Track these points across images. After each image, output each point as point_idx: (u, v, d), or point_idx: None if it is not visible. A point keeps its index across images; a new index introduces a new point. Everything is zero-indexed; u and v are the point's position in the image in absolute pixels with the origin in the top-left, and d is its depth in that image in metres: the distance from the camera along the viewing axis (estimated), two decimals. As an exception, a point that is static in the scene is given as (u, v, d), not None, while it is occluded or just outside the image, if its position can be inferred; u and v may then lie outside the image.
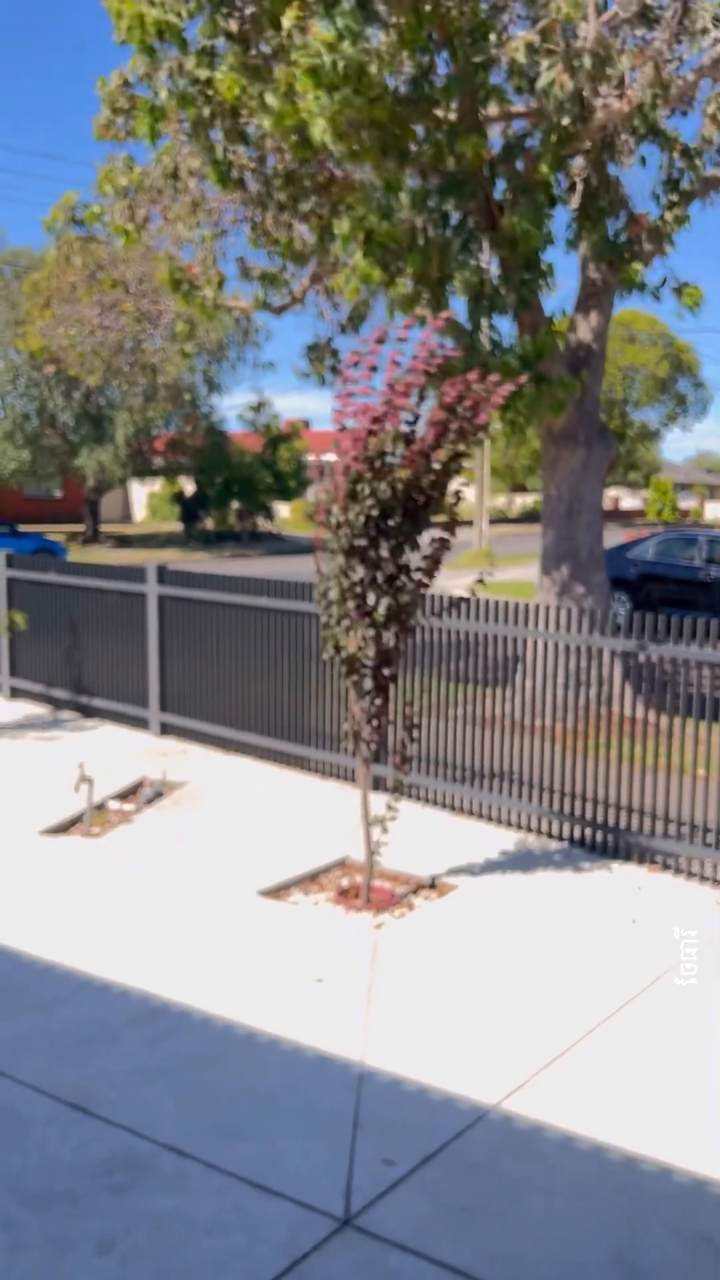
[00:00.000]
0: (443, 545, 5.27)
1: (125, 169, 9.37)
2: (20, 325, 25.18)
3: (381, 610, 5.15)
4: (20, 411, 34.05)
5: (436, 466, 5.00)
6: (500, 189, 8.38)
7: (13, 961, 4.74)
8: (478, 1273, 2.92)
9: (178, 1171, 3.33)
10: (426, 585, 5.29)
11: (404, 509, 5.07)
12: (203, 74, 7.51)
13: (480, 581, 5.70)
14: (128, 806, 7.08)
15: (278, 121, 7.18)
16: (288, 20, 6.78)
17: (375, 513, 5.01)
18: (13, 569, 10.34)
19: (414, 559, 5.25)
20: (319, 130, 6.97)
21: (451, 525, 5.28)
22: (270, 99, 7.11)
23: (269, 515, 41.51)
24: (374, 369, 5.04)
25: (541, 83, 6.95)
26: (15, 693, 10.49)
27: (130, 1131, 3.53)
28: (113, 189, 9.42)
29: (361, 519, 5.03)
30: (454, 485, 5.22)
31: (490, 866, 6.01)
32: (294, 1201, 3.19)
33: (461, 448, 5.01)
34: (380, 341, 5.05)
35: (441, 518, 5.24)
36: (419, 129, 7.78)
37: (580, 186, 8.51)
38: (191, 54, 7.48)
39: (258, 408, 36.56)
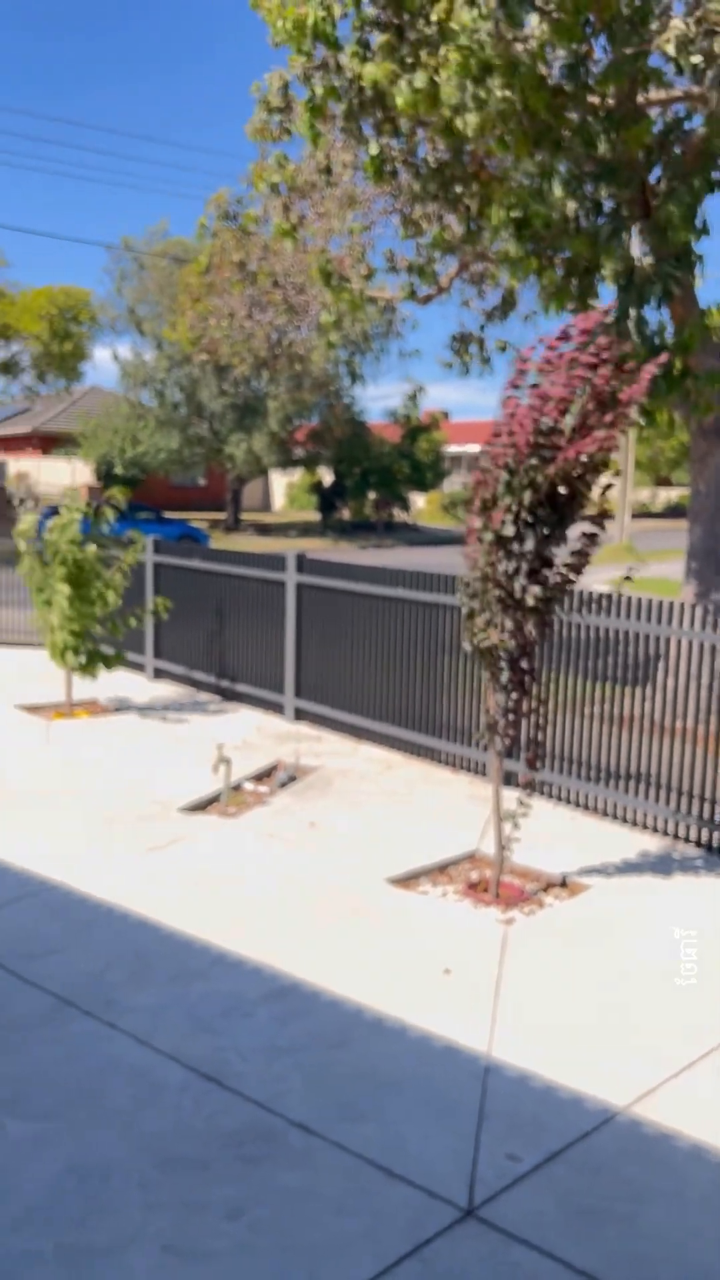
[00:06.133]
0: (591, 541, 5.18)
1: (278, 166, 9.52)
2: (174, 315, 25.97)
3: (528, 602, 5.11)
4: (171, 401, 35.06)
5: (585, 460, 4.92)
6: (656, 175, 8.15)
7: (153, 934, 4.92)
8: (600, 1274, 2.89)
9: (305, 1148, 3.41)
10: (573, 581, 5.23)
11: (552, 501, 5.02)
12: (355, 67, 7.56)
13: (628, 579, 5.61)
14: (262, 789, 7.24)
15: (412, 105, 7.17)
16: (436, 13, 6.77)
17: (528, 499, 4.97)
18: (159, 554, 10.68)
19: (560, 553, 5.19)
20: (470, 123, 6.94)
21: (600, 520, 5.19)
22: (409, 81, 7.10)
23: (405, 506, 41.50)
24: (566, 359, 4.97)
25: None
26: (159, 674, 10.83)
27: (259, 1105, 3.62)
28: (266, 185, 9.60)
29: (513, 509, 5.00)
30: (603, 479, 5.13)
31: (625, 868, 5.91)
32: (418, 1187, 3.22)
33: (611, 438, 4.92)
34: (563, 338, 5.00)
35: (590, 512, 5.16)
36: (574, 115, 7.64)
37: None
38: (347, 48, 7.55)
39: (414, 395, 36.33)
